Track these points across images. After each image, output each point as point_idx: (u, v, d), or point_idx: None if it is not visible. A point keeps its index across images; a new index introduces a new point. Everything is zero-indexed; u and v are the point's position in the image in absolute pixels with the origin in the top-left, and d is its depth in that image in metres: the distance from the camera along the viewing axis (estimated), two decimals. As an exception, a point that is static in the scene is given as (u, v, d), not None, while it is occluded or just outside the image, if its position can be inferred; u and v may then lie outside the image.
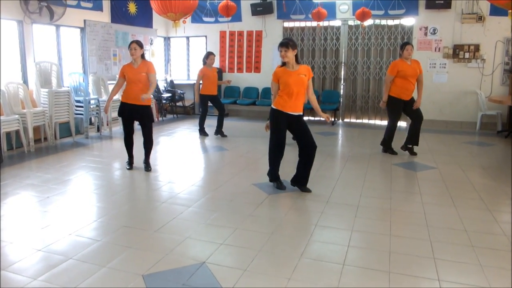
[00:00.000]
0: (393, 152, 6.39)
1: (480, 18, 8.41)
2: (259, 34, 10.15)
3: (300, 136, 4.51)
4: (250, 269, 2.80)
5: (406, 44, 6.10)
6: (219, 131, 7.79)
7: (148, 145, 5.43)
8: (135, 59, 5.17)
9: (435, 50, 8.83)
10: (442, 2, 8.45)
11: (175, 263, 2.88)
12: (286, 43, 4.39)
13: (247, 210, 3.94)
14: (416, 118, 6.26)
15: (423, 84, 6.24)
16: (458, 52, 8.68)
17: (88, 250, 3.07)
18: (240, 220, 3.70)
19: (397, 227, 3.59)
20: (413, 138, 6.30)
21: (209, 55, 7.62)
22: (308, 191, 4.52)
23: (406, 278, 2.74)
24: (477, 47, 8.59)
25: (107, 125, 8.01)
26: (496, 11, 8.09)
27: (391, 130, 6.38)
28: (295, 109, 4.43)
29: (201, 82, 7.62)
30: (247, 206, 4.07)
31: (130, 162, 5.48)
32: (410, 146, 6.37)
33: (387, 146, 6.45)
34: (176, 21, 5.74)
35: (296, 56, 4.48)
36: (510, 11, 5.30)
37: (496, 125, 8.44)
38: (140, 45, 5.19)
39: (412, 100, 6.18)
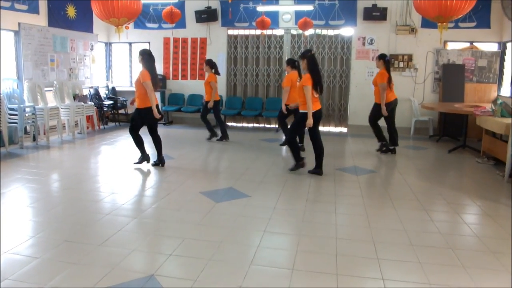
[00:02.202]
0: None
1: (413, 30, 8.97)
2: (203, 41, 10.13)
3: None
4: (201, 279, 2.78)
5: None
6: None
7: (155, 143, 5.96)
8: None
9: (373, 59, 9.24)
10: (378, 14, 8.91)
11: (122, 277, 2.79)
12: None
13: (195, 219, 3.90)
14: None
15: (378, 91, 6.99)
16: (393, 62, 9.17)
17: (26, 269, 2.89)
18: (188, 229, 3.66)
19: (342, 229, 3.72)
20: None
21: None
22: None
23: (353, 279, 2.85)
24: (410, 57, 9.13)
25: (44, 134, 7.61)
26: (426, 24, 8.67)
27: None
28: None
29: None
30: (195, 215, 4.03)
31: (141, 158, 6.01)
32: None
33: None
34: (119, 26, 5.59)
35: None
36: (440, 24, 5.70)
37: (428, 130, 9.01)
38: (140, 53, 5.80)
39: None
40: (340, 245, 3.38)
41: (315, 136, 5.58)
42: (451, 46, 9.15)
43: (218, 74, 7.91)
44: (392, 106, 7.04)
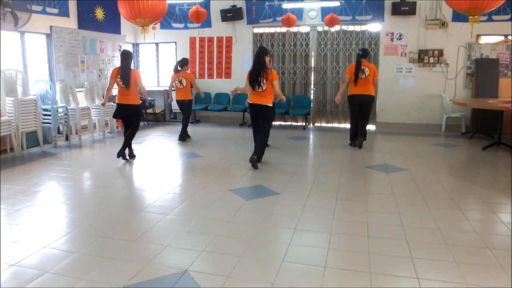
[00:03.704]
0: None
1: (443, 24, 8.74)
2: (229, 40, 10.17)
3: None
4: (233, 276, 2.79)
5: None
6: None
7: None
8: None
9: (401, 55, 9.11)
10: (407, 8, 8.73)
11: (157, 272, 2.83)
12: None
13: (225, 217, 3.92)
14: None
15: None
16: (423, 57, 8.98)
17: (64, 262, 2.97)
18: (219, 226, 3.68)
19: (374, 228, 3.66)
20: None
21: (188, 61, 8.17)
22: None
23: (386, 278, 2.80)
24: (441, 52, 8.91)
25: (76, 133, 7.81)
26: (458, 17, 8.44)
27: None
28: None
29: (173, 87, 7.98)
30: (225, 212, 4.05)
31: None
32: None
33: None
34: (145, 27, 5.67)
35: None
36: (471, 17, 5.53)
37: (460, 127, 8.78)
38: None
39: None
40: (372, 243, 3.33)
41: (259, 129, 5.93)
42: (484, 40, 8.87)
43: (175, 72, 7.89)
44: (353, 101, 7.09)
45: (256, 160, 5.71)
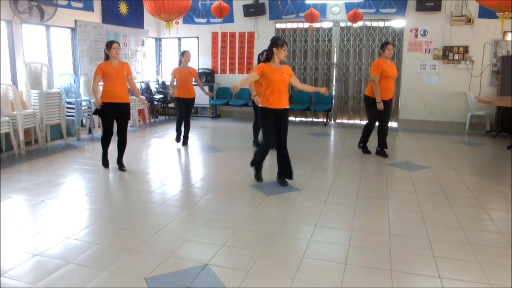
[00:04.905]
0: (368, 151, 6.48)
1: (469, 21, 8.53)
2: (251, 35, 10.16)
3: (278, 132, 4.85)
4: (254, 270, 2.80)
5: (388, 43, 6.07)
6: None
7: (125, 144, 5.58)
8: (117, 58, 5.35)
9: (425, 52, 8.94)
10: (432, 4, 8.55)
11: (178, 265, 2.86)
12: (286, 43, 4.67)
13: (246, 211, 3.93)
14: (387, 117, 6.30)
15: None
16: (447, 54, 8.79)
17: (87, 254, 3.03)
18: (240, 221, 3.69)
19: (396, 226, 3.62)
20: (384, 140, 6.32)
21: (183, 53, 6.94)
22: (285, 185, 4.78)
23: (408, 276, 2.77)
24: (466, 49, 8.70)
25: (99, 126, 7.92)
26: (484, 13, 8.23)
27: (370, 130, 6.43)
28: (280, 105, 4.68)
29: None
30: (246, 207, 4.06)
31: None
32: (380, 149, 6.36)
33: (364, 145, 6.54)
34: (170, 22, 5.72)
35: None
36: (501, 13, 5.38)
37: (485, 125, 8.58)
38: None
39: (390, 100, 6.17)
40: (393, 241, 3.30)
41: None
42: (511, 37, 8.62)
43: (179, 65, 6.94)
44: None
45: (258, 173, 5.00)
